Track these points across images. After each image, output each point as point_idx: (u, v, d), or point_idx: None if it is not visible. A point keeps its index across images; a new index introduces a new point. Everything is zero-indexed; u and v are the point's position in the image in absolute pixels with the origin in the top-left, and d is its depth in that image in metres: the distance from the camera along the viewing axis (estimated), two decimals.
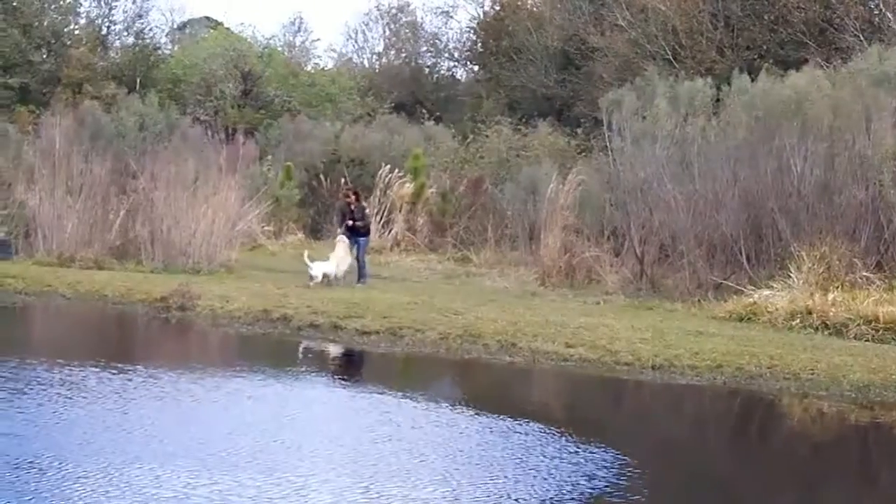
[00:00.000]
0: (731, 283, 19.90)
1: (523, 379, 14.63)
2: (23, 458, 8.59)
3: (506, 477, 8.91)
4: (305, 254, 21.62)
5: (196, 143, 29.36)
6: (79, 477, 8.20)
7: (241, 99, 43.77)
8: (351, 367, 15.62)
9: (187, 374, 12.97)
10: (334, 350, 15.99)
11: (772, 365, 14.37)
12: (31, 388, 11.37)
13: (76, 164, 23.84)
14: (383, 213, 29.89)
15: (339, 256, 21.62)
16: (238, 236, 24.87)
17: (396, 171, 30.91)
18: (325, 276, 20.92)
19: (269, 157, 34.14)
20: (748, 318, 17.99)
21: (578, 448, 9.94)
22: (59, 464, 8.49)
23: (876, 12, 34.69)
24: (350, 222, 22.43)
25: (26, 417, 10.07)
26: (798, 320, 17.30)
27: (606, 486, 8.83)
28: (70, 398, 11.04)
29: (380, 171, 30.64)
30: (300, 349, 15.95)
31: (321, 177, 31.96)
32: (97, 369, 12.64)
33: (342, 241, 22.07)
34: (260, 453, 9.19)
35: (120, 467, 8.47)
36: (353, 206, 22.92)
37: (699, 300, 19.70)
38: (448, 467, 9.14)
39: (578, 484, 8.79)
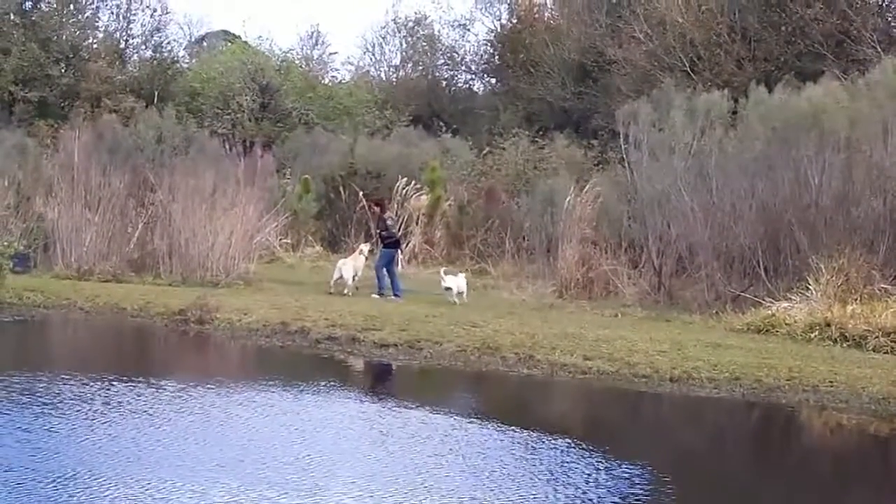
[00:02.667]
0: (749, 295, 19.85)
1: (544, 392, 14.61)
2: (61, 474, 8.59)
3: (535, 494, 8.82)
4: (442, 270, 22.33)
5: (214, 156, 29.43)
6: (118, 493, 8.19)
7: (258, 112, 43.85)
8: (373, 381, 15.63)
9: (215, 388, 12.99)
10: (355, 363, 16.00)
11: (791, 377, 14.35)
12: (65, 404, 11.36)
13: (95, 177, 23.89)
14: (400, 226, 29.91)
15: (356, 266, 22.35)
16: (256, 249, 24.88)
17: (413, 183, 30.93)
18: (458, 290, 21.25)
19: (287, 169, 34.19)
20: (766, 330, 17.93)
21: (609, 464, 9.86)
22: (98, 478, 8.50)
23: (893, 24, 34.66)
24: (380, 233, 22.99)
25: (61, 433, 10.05)
26: (817, 332, 17.25)
27: None
28: (103, 413, 11.03)
29: (397, 184, 30.67)
30: (321, 362, 15.90)
31: (340, 189, 31.99)
32: (124, 384, 12.65)
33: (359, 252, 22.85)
34: (295, 470, 9.16)
35: (161, 484, 8.47)
36: (377, 218, 23.24)
37: (717, 312, 19.65)
38: (480, 484, 9.08)
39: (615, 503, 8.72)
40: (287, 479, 8.85)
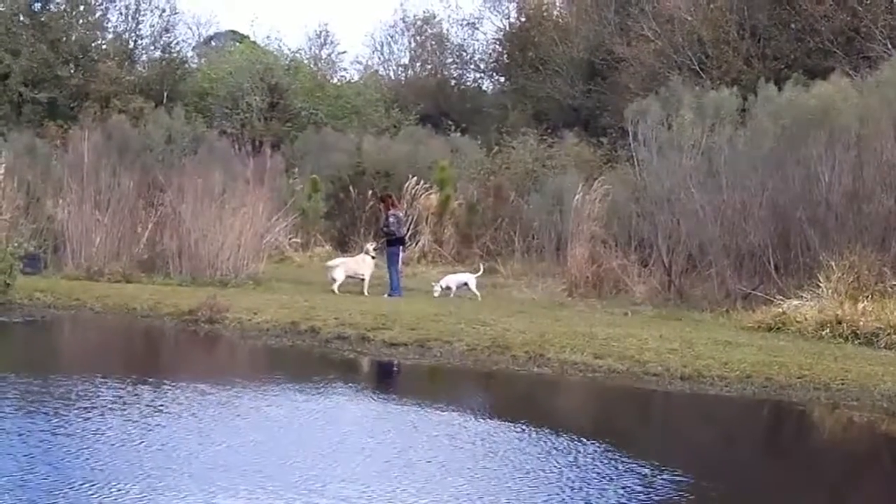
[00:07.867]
0: (759, 293, 19.81)
1: (557, 391, 14.57)
2: (104, 480, 8.44)
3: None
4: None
5: (223, 156, 29.49)
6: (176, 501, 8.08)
7: (267, 112, 43.95)
8: (393, 381, 15.58)
9: (244, 391, 12.85)
10: (368, 363, 15.95)
11: (801, 375, 14.28)
12: (105, 407, 11.25)
13: (104, 177, 23.97)
14: (410, 225, 29.89)
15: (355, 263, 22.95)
16: (265, 248, 24.93)
17: (422, 182, 30.93)
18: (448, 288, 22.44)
19: (296, 169, 34.24)
20: (777, 328, 17.88)
21: (648, 470, 9.52)
22: (141, 486, 8.32)
23: None
24: (381, 228, 23.19)
25: (110, 438, 9.88)
26: (828, 330, 17.17)
27: None
28: (146, 417, 10.88)
29: (406, 183, 30.66)
30: (335, 362, 15.82)
31: (349, 188, 32.01)
32: (151, 387, 12.56)
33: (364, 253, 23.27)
34: (344, 475, 8.95)
35: (213, 489, 8.37)
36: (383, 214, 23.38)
37: (727, 310, 19.61)
38: (517, 489, 8.85)
39: None
40: (336, 487, 8.60)
